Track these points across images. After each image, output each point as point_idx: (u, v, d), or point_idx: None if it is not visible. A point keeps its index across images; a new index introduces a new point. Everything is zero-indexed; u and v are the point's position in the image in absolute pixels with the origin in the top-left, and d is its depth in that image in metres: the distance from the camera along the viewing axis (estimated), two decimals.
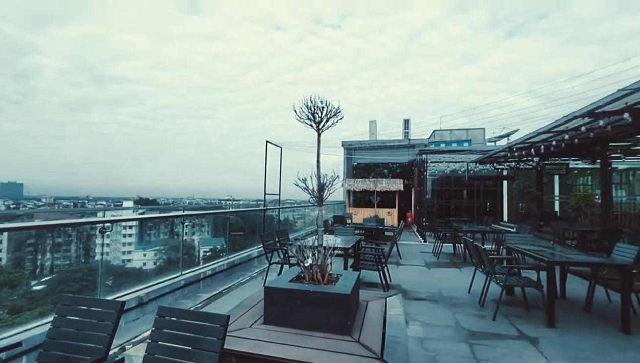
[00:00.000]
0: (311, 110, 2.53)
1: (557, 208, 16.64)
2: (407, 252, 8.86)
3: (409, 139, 20.73)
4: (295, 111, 2.54)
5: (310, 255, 2.49)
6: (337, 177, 2.51)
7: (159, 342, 1.57)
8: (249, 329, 2.23)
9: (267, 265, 5.36)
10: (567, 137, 7.68)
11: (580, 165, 14.85)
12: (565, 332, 3.56)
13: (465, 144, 18.13)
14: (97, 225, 3.79)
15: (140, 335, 3.35)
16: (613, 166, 14.34)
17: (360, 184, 16.89)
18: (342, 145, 20.99)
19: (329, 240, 5.59)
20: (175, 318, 1.63)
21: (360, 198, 17.91)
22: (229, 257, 6.17)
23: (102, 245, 3.53)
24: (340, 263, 5.03)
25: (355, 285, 2.50)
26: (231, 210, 6.91)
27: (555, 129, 7.69)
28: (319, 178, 2.55)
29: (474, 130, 20.91)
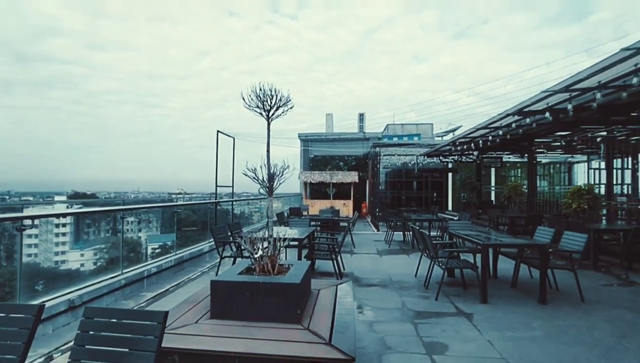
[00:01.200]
0: (260, 98, 2.46)
1: (493, 197, 18.42)
2: (361, 242, 9.18)
3: (364, 133, 21.34)
4: (244, 99, 2.45)
5: (261, 246, 2.45)
6: (288, 166, 2.49)
7: (86, 346, 1.43)
8: (194, 325, 2.13)
9: (219, 259, 5.19)
10: (500, 133, 8.48)
11: (512, 158, 16.56)
12: (495, 307, 3.98)
13: (416, 138, 19.15)
14: (17, 222, 3.32)
15: (71, 341, 3.04)
16: (538, 160, 16.23)
17: (316, 176, 17.03)
18: (299, 137, 20.93)
19: (284, 231, 5.58)
20: (104, 320, 1.49)
21: (317, 190, 18.09)
22: (177, 252, 5.85)
23: (21, 244, 3.12)
24: (295, 254, 5.04)
25: (305, 274, 2.52)
26: (177, 203, 6.53)
27: (491, 126, 8.45)
28: (268, 168, 2.50)
29: (424, 125, 22.16)
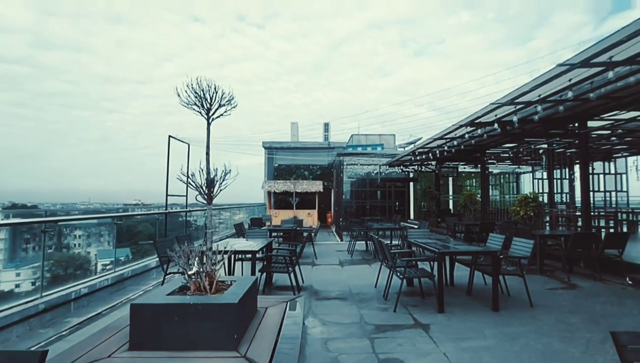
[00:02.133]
0: (198, 95, 2.20)
1: (451, 206, 19.29)
2: (324, 252, 8.99)
3: (329, 142, 21.47)
4: (179, 95, 2.18)
5: (196, 261, 2.15)
6: (230, 171, 2.23)
7: None
8: (106, 360, 1.77)
9: (163, 276, 4.69)
10: (455, 143, 8.85)
11: (467, 169, 17.51)
12: (451, 316, 3.96)
13: (379, 148, 19.63)
14: None
15: None
16: (489, 170, 17.32)
17: (280, 186, 16.70)
18: (263, 145, 20.51)
19: (238, 243, 5.22)
20: None
21: (282, 200, 17.72)
22: (116, 269, 5.24)
23: None
24: (252, 268, 4.71)
25: (248, 291, 2.25)
26: (117, 214, 5.91)
27: (447, 136, 8.80)
28: (207, 173, 2.23)
29: (386, 136, 22.85)
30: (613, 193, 12.44)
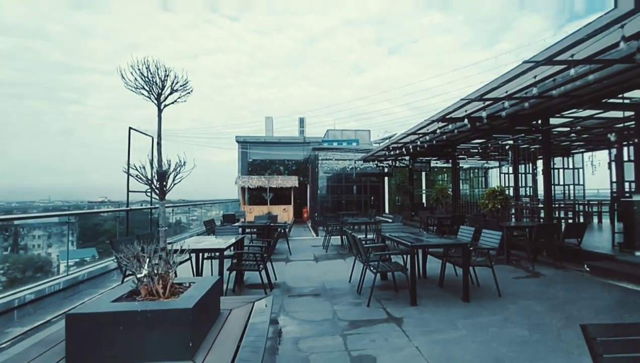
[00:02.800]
0: (147, 78, 1.96)
1: (424, 199, 19.78)
2: (299, 247, 8.85)
3: (305, 137, 21.25)
4: (123, 77, 1.92)
5: (146, 263, 1.93)
6: (184, 163, 2.02)
7: None
8: None
9: (122, 279, 4.35)
10: (427, 138, 8.98)
11: (440, 164, 18.00)
12: (424, 309, 3.97)
13: (354, 144, 19.68)
14: None
15: None
16: (460, 165, 17.90)
17: (255, 181, 16.31)
18: (237, 140, 19.93)
19: (205, 241, 4.95)
20: None
21: (256, 196, 17.35)
22: (69, 272, 4.80)
23: None
24: (223, 266, 4.48)
25: (208, 293, 2.06)
26: (75, 212, 5.44)
27: (419, 131, 8.89)
28: (159, 164, 2.00)
29: (362, 131, 22.97)
30: (571, 187, 13.26)
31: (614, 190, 11.72)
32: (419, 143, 9.80)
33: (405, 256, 5.30)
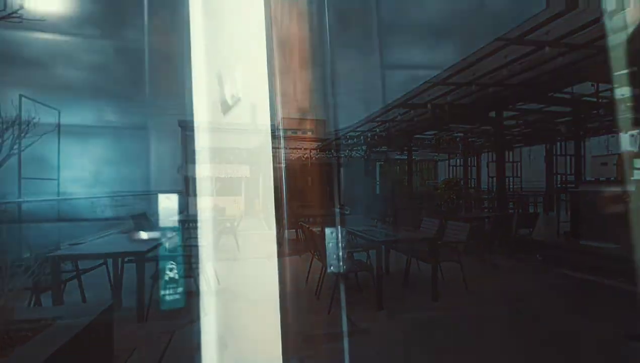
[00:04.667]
0: None
1: (378, 191, 19.95)
2: (248, 244, 7.98)
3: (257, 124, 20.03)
4: None
5: None
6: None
7: None
8: None
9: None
10: (387, 126, 8.65)
11: (395, 156, 18.18)
12: (392, 312, 3.47)
13: (309, 133, 19.01)
14: None
15: None
16: (413, 157, 18.31)
17: (201, 170, 14.82)
18: (180, 124, 18.00)
19: (118, 242, 3.90)
20: None
21: (202, 186, 15.84)
22: None
23: None
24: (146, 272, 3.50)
25: (75, 338, 1.21)
26: None
27: (378, 119, 8.51)
28: None
29: (319, 120, 22.38)
30: (511, 179, 14.19)
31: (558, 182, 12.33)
32: (377, 131, 9.46)
33: (368, 252, 4.80)
